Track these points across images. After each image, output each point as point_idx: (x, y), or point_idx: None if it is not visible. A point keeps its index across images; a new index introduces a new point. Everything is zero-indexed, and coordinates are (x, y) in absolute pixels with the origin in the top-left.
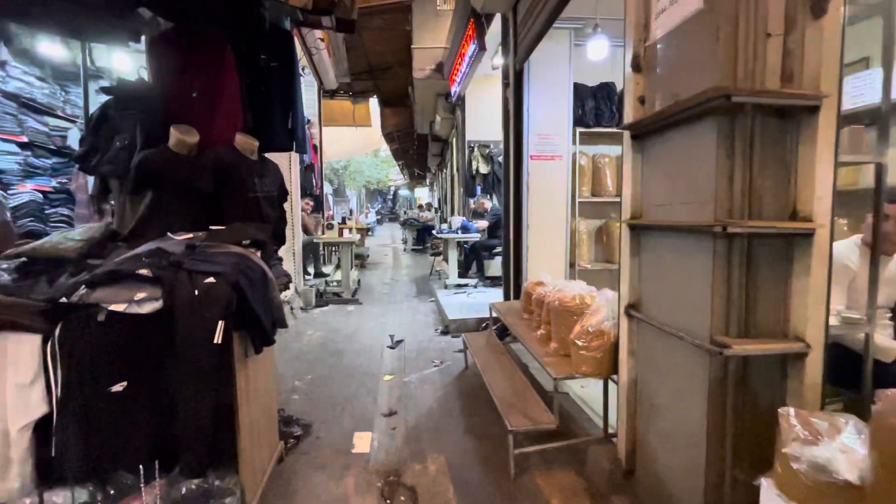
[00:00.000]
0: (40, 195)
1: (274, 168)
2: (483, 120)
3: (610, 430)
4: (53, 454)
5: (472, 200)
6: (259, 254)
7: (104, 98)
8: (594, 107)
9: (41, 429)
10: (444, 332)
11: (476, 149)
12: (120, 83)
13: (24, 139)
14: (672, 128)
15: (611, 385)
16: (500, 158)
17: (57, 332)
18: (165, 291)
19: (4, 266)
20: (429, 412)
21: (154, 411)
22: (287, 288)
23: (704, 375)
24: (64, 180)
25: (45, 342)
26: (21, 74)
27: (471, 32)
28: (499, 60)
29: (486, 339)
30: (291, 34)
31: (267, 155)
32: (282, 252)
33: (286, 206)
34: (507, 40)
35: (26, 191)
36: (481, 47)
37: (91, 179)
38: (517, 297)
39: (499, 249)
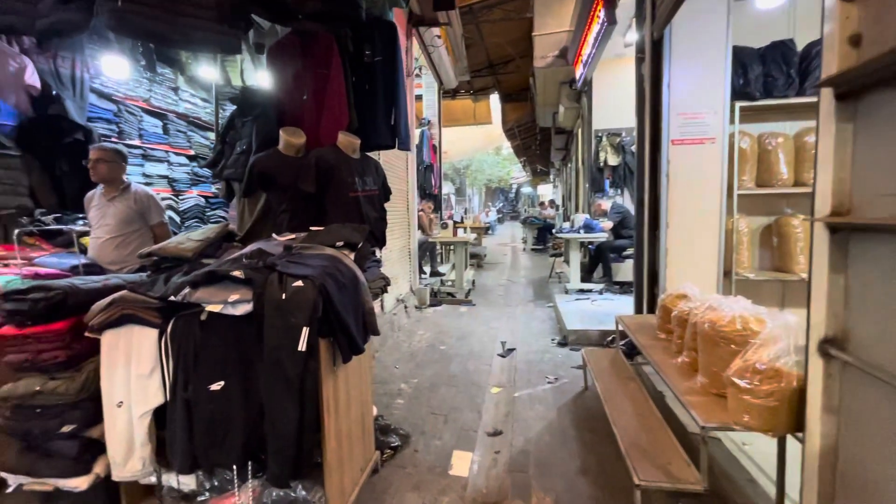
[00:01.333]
0: (203, 200)
1: (376, 166)
2: (612, 106)
3: None
4: (166, 442)
5: (597, 197)
6: (353, 256)
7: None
8: (762, 73)
9: (161, 417)
10: (562, 344)
11: (605, 138)
12: (242, 92)
13: (192, 152)
14: None
15: (790, 442)
16: (633, 147)
17: (169, 328)
18: (256, 294)
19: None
20: (538, 438)
21: (248, 414)
22: (384, 291)
23: None
24: (220, 186)
25: (160, 337)
26: (189, 97)
27: (598, 6)
28: (631, 37)
29: (610, 357)
30: (395, 26)
31: (384, 155)
32: (397, 251)
33: (403, 205)
34: (643, 6)
35: (192, 196)
36: (610, 21)
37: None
38: (651, 310)
39: (630, 251)
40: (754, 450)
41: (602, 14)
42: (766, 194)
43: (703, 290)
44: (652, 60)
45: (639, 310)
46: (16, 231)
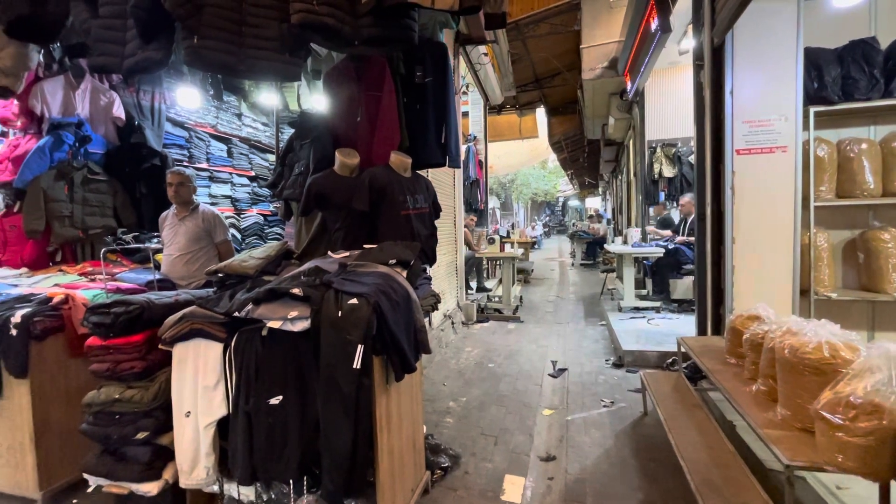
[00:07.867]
0: (262, 218)
1: (426, 184)
2: (666, 116)
3: None
4: (228, 453)
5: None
6: (405, 273)
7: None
8: (840, 75)
9: (225, 428)
10: (617, 365)
11: (659, 149)
12: (300, 116)
13: (252, 173)
14: None
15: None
16: (691, 158)
17: (233, 342)
18: (313, 311)
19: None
20: (595, 466)
21: (305, 429)
22: (435, 309)
23: None
24: (279, 206)
25: (224, 351)
26: (251, 122)
27: (652, 13)
28: (687, 44)
29: (672, 382)
30: (446, 47)
31: (431, 172)
32: (444, 266)
33: (450, 221)
34: (701, 12)
35: (253, 214)
36: (664, 29)
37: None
38: (716, 331)
39: (689, 267)
40: (851, 494)
41: (655, 22)
42: (849, 206)
43: (778, 311)
44: (712, 67)
45: (702, 331)
46: (102, 249)
